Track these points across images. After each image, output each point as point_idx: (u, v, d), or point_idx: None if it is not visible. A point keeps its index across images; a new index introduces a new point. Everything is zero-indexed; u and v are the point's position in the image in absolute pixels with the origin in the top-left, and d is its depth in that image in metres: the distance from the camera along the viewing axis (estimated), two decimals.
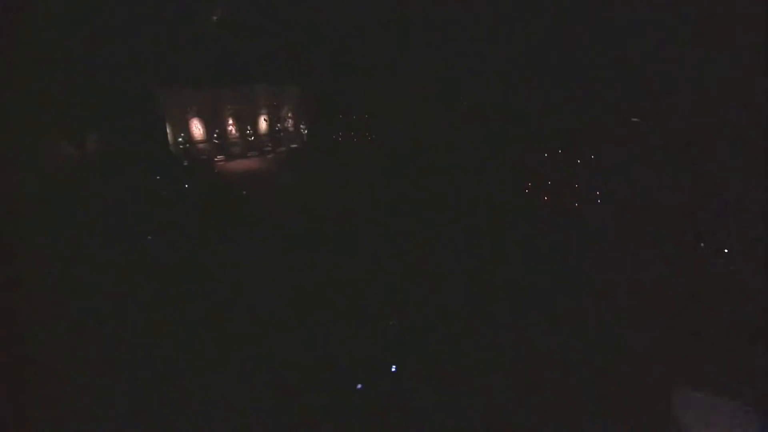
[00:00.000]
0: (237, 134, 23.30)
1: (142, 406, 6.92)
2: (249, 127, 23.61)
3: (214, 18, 18.79)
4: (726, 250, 11.05)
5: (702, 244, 11.56)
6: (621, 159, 14.69)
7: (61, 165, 15.80)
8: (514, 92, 17.61)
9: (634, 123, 16.31)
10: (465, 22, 18.48)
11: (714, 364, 7.57)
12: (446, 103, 19.20)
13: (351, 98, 22.33)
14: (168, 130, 20.45)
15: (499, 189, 15.46)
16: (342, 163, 19.98)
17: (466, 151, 17.55)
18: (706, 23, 13.13)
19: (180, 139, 20.88)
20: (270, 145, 24.52)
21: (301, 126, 25.88)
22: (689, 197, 12.70)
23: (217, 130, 22.33)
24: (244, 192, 16.95)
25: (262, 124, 24.33)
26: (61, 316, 8.83)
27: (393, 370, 8.06)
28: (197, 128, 21.77)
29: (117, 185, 15.24)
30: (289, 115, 25.39)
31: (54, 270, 10.10)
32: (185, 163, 20.49)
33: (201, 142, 21.97)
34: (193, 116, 21.50)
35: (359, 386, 7.63)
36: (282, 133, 25.15)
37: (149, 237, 11.46)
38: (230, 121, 22.94)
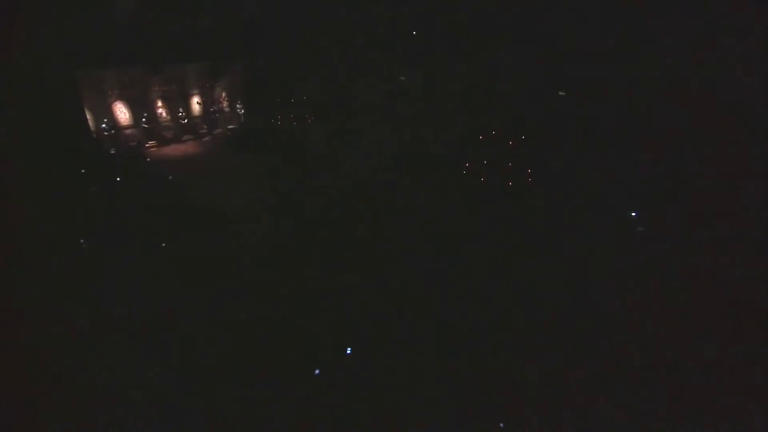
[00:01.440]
0: (168, 117, 21.89)
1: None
2: (181, 110, 22.25)
3: None
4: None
5: (634, 215, 12.41)
6: (553, 137, 15.54)
7: None
8: (452, 72, 17.96)
9: (561, 96, 17.30)
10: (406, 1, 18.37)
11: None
12: (386, 84, 19.21)
13: (289, 79, 21.59)
14: (88, 116, 18.71)
15: (439, 169, 16.00)
16: (282, 146, 19.60)
17: (405, 132, 17.82)
18: None
19: (103, 126, 19.24)
20: (206, 127, 23.32)
21: (238, 106, 24.77)
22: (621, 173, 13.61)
23: (145, 114, 20.81)
24: (182, 177, 16.16)
25: (196, 106, 23.02)
26: None
27: (348, 352, 8.44)
28: (122, 112, 20.15)
29: (34, 181, 13.80)
30: (224, 95, 24.17)
31: None
32: (112, 151, 19.02)
33: (128, 127, 20.40)
34: (116, 99, 19.82)
35: (317, 371, 7.95)
36: (218, 114, 23.96)
37: (81, 240, 10.69)
38: (159, 104, 21.45)
